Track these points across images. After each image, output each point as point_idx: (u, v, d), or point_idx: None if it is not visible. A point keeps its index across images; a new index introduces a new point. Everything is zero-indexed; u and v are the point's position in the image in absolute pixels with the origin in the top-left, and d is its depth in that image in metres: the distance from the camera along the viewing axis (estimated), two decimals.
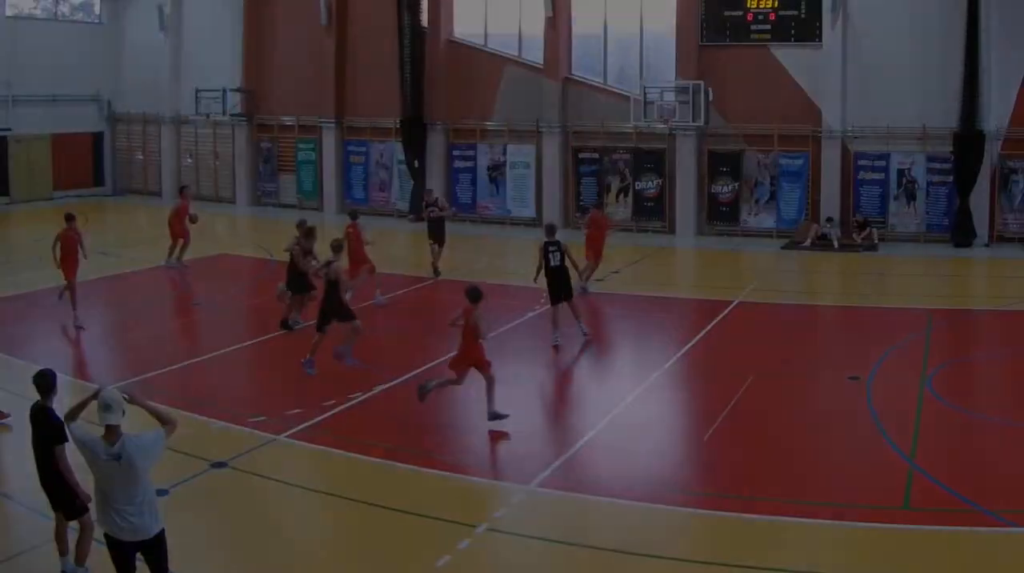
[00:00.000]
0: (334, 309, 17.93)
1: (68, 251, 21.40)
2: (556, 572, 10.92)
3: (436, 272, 26.66)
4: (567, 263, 20.40)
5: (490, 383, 14.99)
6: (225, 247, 32.46)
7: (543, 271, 20.27)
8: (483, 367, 15.07)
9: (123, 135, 45.53)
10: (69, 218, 21.83)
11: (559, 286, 20.13)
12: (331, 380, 17.12)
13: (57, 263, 21.36)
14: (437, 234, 26.76)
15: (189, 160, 43.56)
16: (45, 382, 10.10)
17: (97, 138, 45.16)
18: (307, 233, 20.82)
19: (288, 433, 14.52)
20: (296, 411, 15.33)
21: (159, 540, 8.71)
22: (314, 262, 20.09)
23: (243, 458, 13.55)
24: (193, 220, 28.20)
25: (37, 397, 10.14)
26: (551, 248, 20.09)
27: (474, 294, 15.13)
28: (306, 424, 14.86)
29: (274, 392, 16.70)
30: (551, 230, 21.08)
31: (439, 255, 26.82)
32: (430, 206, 27.29)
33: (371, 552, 11.10)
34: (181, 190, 30.67)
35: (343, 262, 18.68)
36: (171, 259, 28.22)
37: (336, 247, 18.48)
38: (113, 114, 45.46)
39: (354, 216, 24.28)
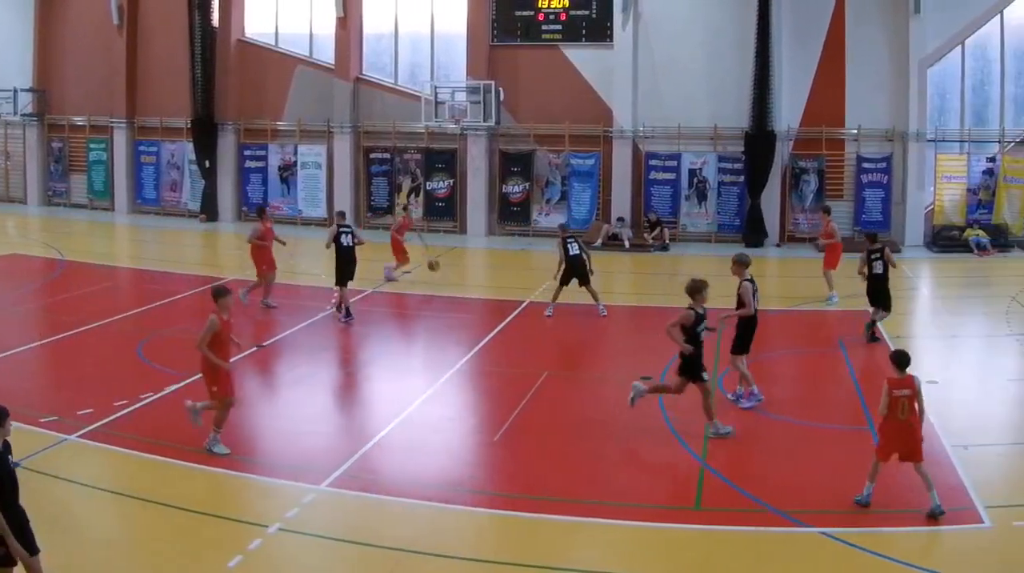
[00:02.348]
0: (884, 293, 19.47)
1: (222, 345, 13.34)
2: (347, 571, 10.65)
3: (348, 314, 21.17)
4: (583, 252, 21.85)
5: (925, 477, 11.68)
6: (16, 247, 30.97)
7: (563, 259, 21.63)
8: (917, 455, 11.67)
9: None
10: (220, 294, 13.40)
11: (577, 271, 21.63)
12: (122, 380, 16.56)
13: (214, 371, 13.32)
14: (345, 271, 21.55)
15: None
16: None
17: None
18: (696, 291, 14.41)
19: (80, 433, 14.04)
20: (88, 411, 14.78)
21: None
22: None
23: (35, 458, 12.99)
24: (283, 243, 23.44)
25: None
26: (569, 240, 21.61)
27: (902, 359, 11.70)
28: (98, 424, 14.35)
29: (67, 392, 16.00)
30: (565, 227, 23.54)
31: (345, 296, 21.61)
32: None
33: (163, 553, 10.65)
34: (261, 211, 24.06)
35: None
36: (246, 295, 22.26)
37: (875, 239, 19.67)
38: None
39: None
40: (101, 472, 13.12)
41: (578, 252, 21.54)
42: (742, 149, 31.78)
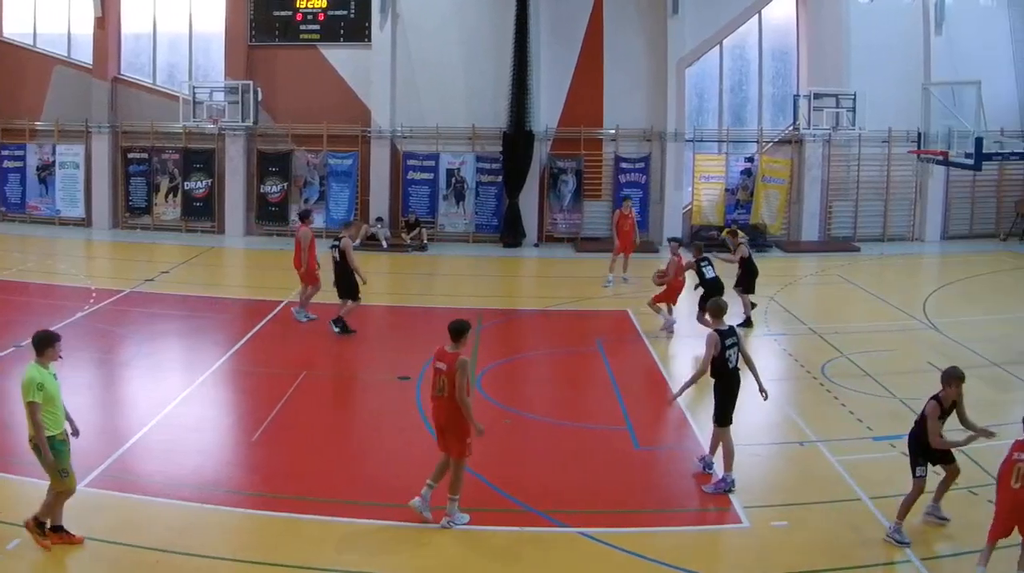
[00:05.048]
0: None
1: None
2: (106, 571, 10.47)
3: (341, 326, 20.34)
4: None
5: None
6: None
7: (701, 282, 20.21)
8: None
9: None
10: (465, 329, 11.61)
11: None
12: None
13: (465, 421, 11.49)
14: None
15: None
16: None
17: None
18: None
19: None
20: None
21: None
22: None
23: None
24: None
25: None
26: (704, 262, 20.19)
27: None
28: None
29: None
30: (700, 248, 20.83)
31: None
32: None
33: None
34: (304, 216, 22.30)
35: None
36: (303, 310, 21.42)
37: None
38: None
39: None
40: None
41: (715, 275, 19.91)
42: (500, 149, 31.48)
